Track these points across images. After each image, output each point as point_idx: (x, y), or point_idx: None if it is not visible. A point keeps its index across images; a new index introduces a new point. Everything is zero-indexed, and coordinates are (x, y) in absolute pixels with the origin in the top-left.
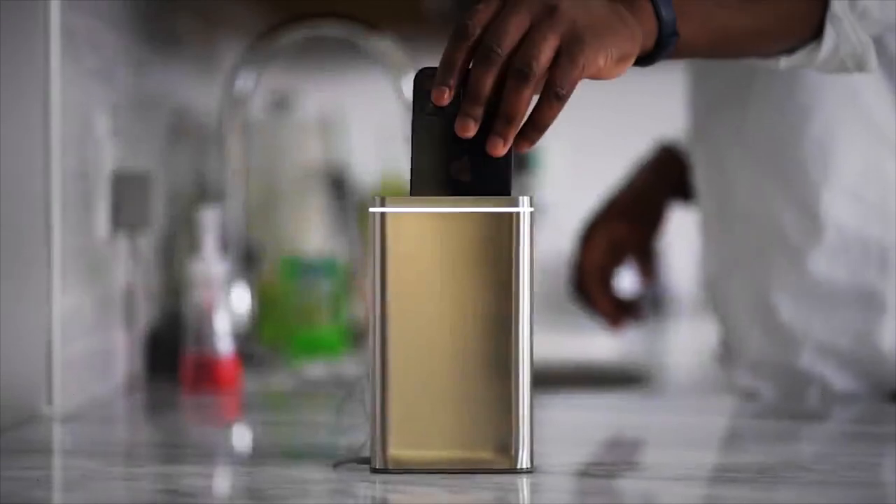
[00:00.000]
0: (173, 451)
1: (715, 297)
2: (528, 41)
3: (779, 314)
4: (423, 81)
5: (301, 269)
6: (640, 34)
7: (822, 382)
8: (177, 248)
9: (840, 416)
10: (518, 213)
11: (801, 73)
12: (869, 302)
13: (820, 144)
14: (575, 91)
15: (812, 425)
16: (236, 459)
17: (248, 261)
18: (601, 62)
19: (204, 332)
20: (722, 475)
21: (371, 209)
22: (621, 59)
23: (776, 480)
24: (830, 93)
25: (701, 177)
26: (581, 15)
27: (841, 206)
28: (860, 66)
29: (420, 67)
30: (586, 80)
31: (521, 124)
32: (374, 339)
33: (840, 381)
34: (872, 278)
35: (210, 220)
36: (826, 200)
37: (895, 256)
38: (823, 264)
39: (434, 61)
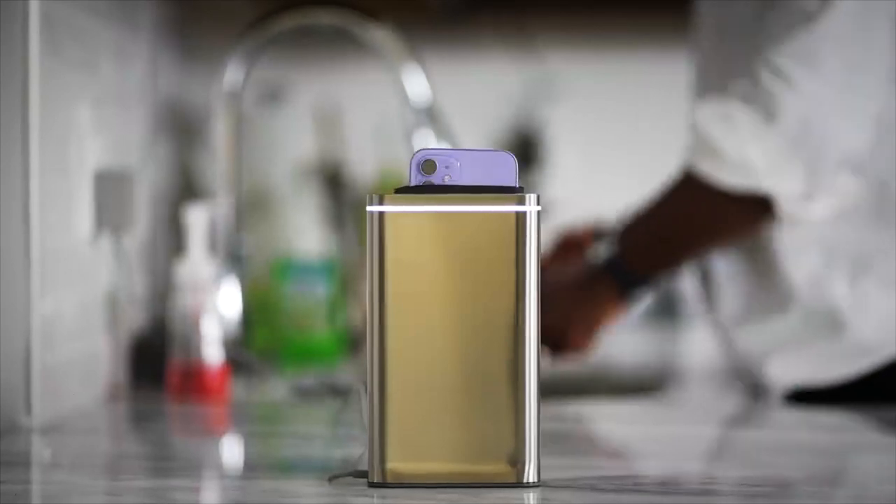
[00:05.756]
0: (159, 463)
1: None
2: None
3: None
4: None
5: (294, 271)
6: (609, 310)
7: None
8: (162, 249)
9: (863, 427)
10: (524, 213)
11: None
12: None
13: None
14: (581, 85)
15: (835, 436)
16: (226, 472)
17: (237, 262)
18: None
19: (191, 339)
20: (740, 489)
21: (368, 208)
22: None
23: (798, 495)
24: None
25: None
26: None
27: None
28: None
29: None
30: (596, 71)
31: None
32: (371, 346)
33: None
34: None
35: (198, 219)
36: None
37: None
38: None
39: (434, 52)
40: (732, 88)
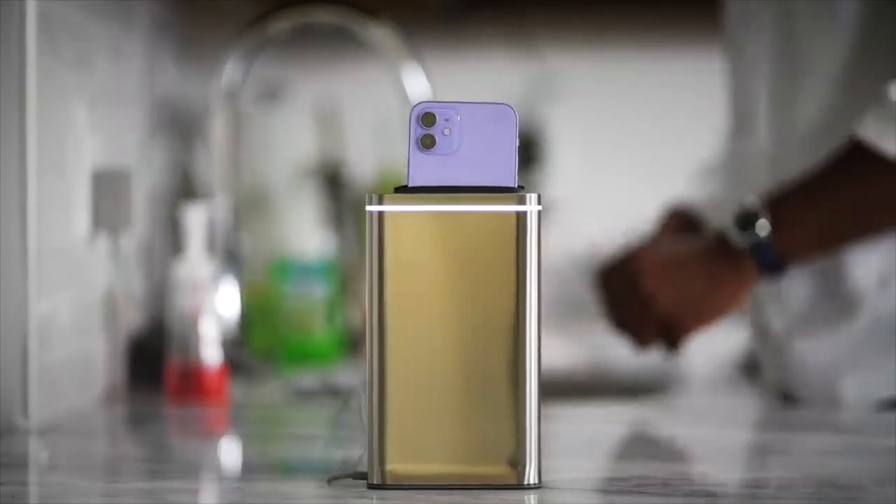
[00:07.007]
0: (157, 465)
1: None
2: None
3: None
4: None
5: (293, 271)
6: (739, 293)
7: None
8: (160, 249)
9: (874, 430)
10: (525, 213)
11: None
12: None
13: None
14: (581, 85)
15: (842, 438)
16: (224, 474)
17: (235, 262)
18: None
19: (189, 339)
20: (744, 491)
21: (368, 208)
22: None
23: (803, 498)
24: None
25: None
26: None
27: None
28: None
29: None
30: (596, 71)
31: None
32: (371, 347)
33: None
34: None
35: (196, 219)
36: None
37: None
38: None
39: (434, 51)
40: None
